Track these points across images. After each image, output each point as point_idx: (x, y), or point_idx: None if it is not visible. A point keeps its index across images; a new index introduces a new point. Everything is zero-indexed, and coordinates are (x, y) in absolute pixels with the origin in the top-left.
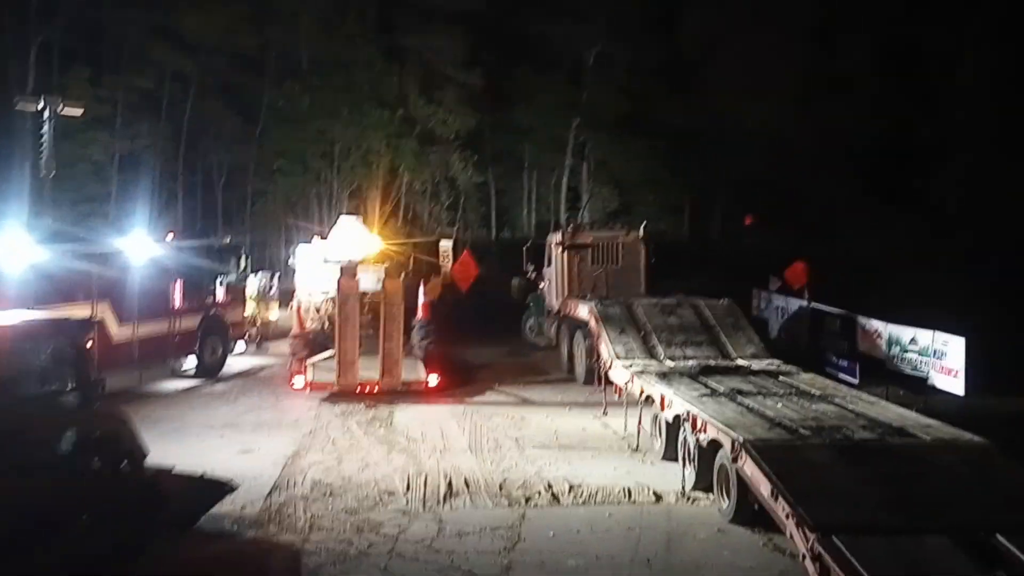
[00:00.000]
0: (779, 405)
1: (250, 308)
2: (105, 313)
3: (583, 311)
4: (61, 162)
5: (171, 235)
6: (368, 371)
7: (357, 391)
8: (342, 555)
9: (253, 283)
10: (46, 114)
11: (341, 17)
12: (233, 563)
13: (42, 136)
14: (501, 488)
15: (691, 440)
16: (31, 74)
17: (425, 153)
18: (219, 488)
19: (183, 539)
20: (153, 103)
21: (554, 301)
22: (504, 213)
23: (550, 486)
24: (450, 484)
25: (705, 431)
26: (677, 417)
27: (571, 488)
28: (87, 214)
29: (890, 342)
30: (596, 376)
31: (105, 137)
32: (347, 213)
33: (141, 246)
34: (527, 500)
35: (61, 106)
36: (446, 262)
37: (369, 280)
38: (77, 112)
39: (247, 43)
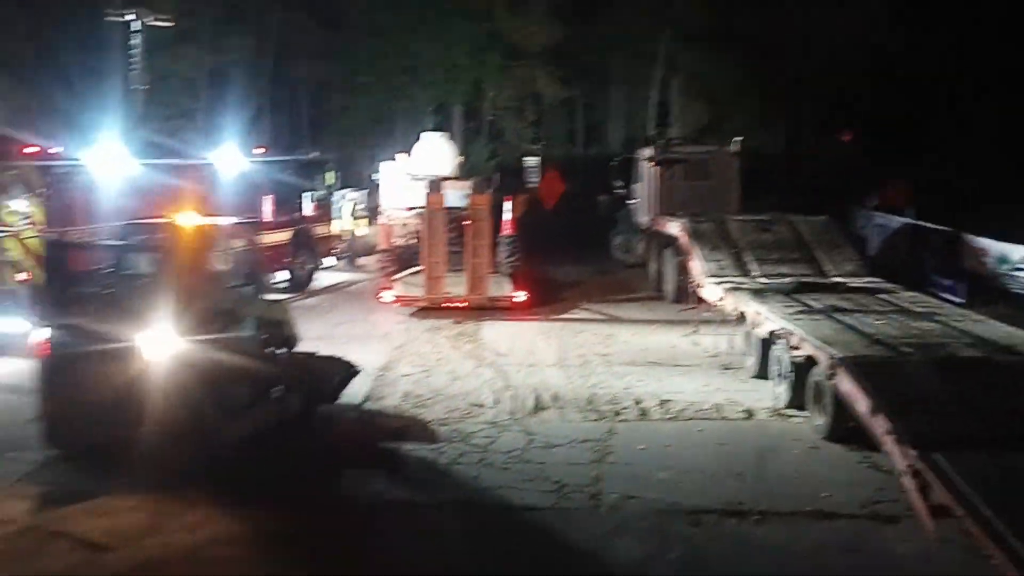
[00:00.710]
0: (879, 323)
1: (338, 223)
2: None
3: (674, 228)
4: (153, 76)
5: (261, 149)
6: (455, 287)
7: (444, 306)
8: (433, 463)
9: (340, 198)
10: (136, 26)
11: None
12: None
13: (133, 49)
14: (589, 403)
15: (785, 358)
16: None
17: (510, 68)
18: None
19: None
20: (240, 15)
21: (643, 218)
22: (591, 129)
23: (639, 401)
24: (538, 398)
25: (800, 348)
26: (771, 334)
27: (661, 403)
28: (179, 128)
29: (999, 260)
30: (686, 294)
31: (194, 51)
32: (431, 129)
33: (232, 160)
34: (616, 415)
35: (151, 17)
36: (532, 179)
37: (455, 196)
38: (166, 24)
39: None
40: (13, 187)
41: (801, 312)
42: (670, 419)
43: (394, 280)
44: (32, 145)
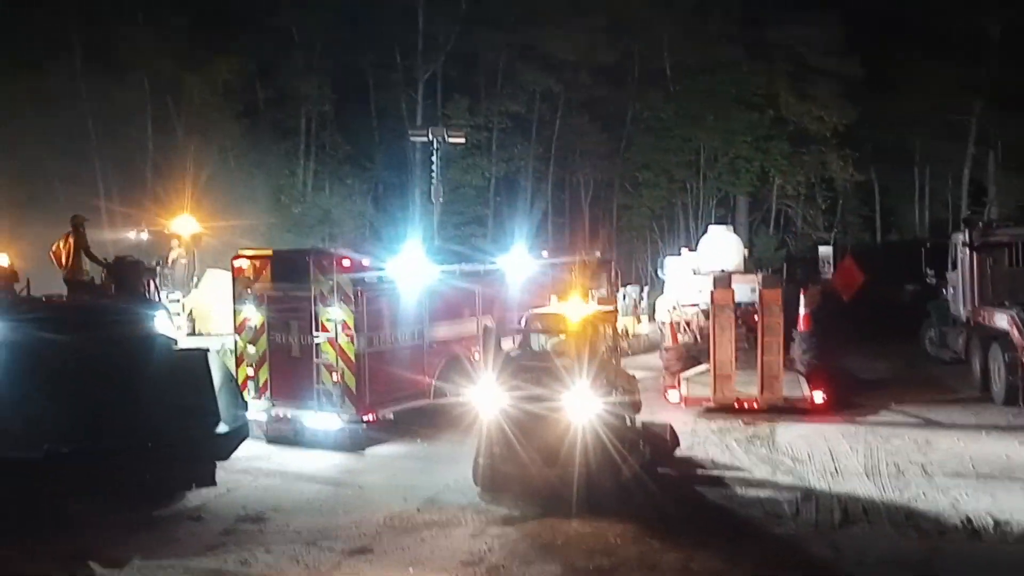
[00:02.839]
0: None
1: (620, 322)
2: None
3: (1002, 320)
4: (447, 188)
5: (545, 252)
6: (745, 386)
7: (734, 407)
8: None
9: (622, 297)
10: (434, 144)
11: (703, 19)
12: None
13: (431, 165)
14: (907, 519)
15: None
16: (419, 107)
17: (798, 154)
18: None
19: None
20: (524, 125)
21: (961, 309)
22: (889, 213)
23: (969, 520)
24: (845, 510)
25: None
26: None
27: (996, 524)
28: (470, 234)
29: None
30: (1020, 396)
31: (483, 162)
32: (715, 223)
33: (518, 263)
34: (940, 534)
35: (446, 136)
36: (826, 269)
37: (743, 290)
38: (460, 141)
39: (607, 57)
40: (331, 297)
41: None
42: (1010, 543)
43: (680, 378)
44: (346, 258)
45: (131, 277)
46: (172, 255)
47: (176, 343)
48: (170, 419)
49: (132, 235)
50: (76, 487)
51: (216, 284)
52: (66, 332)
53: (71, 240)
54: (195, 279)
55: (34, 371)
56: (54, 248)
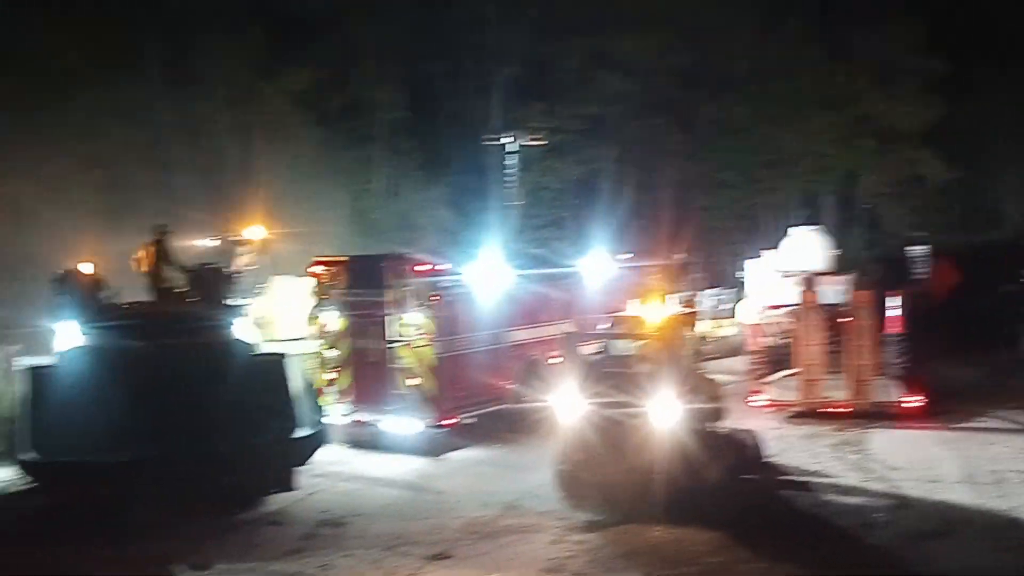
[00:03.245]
0: None
1: (702, 325)
2: None
3: None
4: (524, 190)
5: (626, 255)
6: (834, 391)
7: (822, 412)
8: None
9: (704, 300)
10: (511, 148)
11: (779, 19)
12: None
13: (508, 169)
14: (1008, 529)
15: None
16: (493, 112)
17: (885, 152)
18: None
19: None
20: (601, 127)
21: None
22: (982, 212)
23: None
24: (942, 519)
25: None
26: None
27: None
28: (548, 238)
29: None
30: None
31: (561, 164)
32: (800, 223)
33: (598, 266)
34: None
35: (525, 140)
36: (917, 270)
37: (831, 292)
38: (538, 144)
39: (683, 59)
40: (408, 302)
41: None
42: None
43: (765, 383)
44: (424, 263)
45: (212, 284)
46: (240, 262)
47: (254, 349)
48: (249, 424)
49: (201, 242)
50: (159, 490)
51: (282, 291)
52: (149, 338)
53: (153, 249)
54: (259, 286)
55: (118, 376)
56: (136, 256)
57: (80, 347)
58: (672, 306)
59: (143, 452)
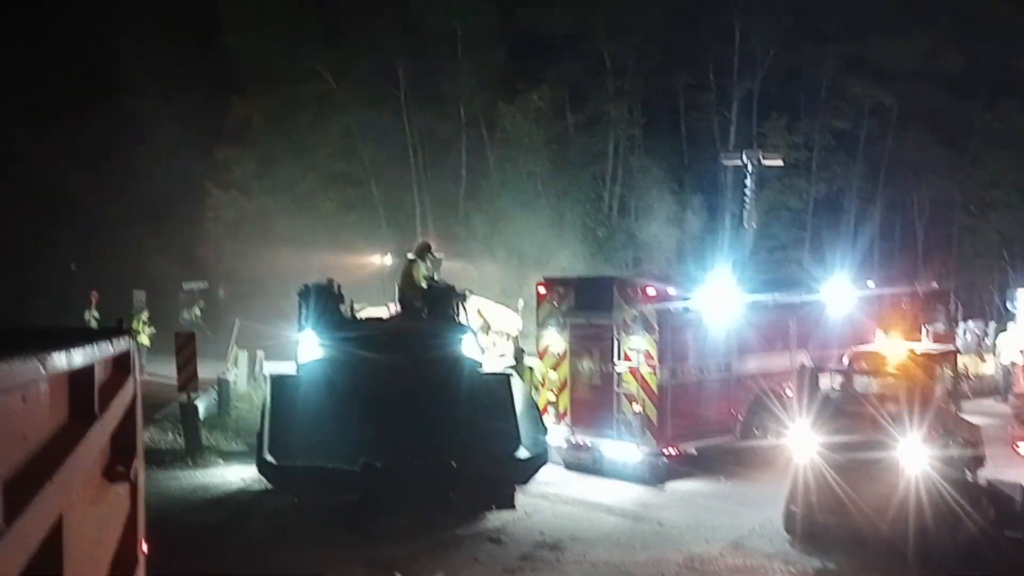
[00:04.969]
0: None
1: (960, 361)
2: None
3: None
4: (760, 210)
5: (871, 281)
6: None
7: None
8: None
9: (962, 333)
10: (748, 167)
11: None
12: None
13: (744, 188)
14: None
15: None
16: (732, 127)
17: None
18: None
19: None
20: (849, 142)
21: None
22: None
23: None
24: None
25: None
26: None
27: None
28: (783, 260)
29: None
30: None
31: (801, 183)
32: None
33: (840, 293)
34: None
35: (761, 159)
36: None
37: None
38: (776, 163)
39: (951, 65)
40: (635, 326)
41: None
42: None
43: None
44: (654, 287)
45: (442, 301)
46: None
47: (481, 366)
48: (474, 440)
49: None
50: (387, 500)
51: (472, 310)
52: (382, 352)
53: (409, 267)
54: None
55: (353, 387)
56: (402, 272)
57: (320, 359)
58: (923, 340)
59: (375, 462)
